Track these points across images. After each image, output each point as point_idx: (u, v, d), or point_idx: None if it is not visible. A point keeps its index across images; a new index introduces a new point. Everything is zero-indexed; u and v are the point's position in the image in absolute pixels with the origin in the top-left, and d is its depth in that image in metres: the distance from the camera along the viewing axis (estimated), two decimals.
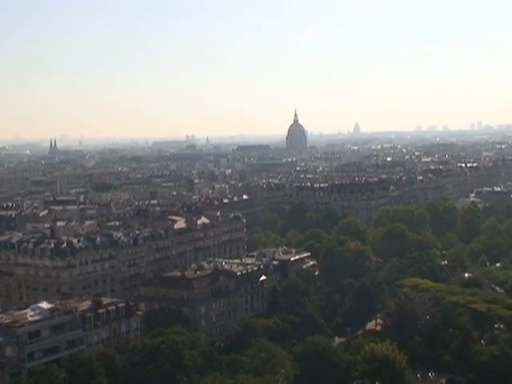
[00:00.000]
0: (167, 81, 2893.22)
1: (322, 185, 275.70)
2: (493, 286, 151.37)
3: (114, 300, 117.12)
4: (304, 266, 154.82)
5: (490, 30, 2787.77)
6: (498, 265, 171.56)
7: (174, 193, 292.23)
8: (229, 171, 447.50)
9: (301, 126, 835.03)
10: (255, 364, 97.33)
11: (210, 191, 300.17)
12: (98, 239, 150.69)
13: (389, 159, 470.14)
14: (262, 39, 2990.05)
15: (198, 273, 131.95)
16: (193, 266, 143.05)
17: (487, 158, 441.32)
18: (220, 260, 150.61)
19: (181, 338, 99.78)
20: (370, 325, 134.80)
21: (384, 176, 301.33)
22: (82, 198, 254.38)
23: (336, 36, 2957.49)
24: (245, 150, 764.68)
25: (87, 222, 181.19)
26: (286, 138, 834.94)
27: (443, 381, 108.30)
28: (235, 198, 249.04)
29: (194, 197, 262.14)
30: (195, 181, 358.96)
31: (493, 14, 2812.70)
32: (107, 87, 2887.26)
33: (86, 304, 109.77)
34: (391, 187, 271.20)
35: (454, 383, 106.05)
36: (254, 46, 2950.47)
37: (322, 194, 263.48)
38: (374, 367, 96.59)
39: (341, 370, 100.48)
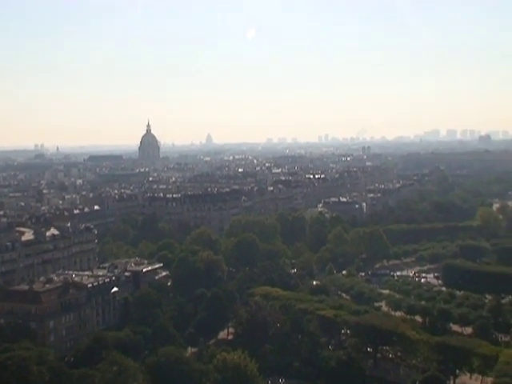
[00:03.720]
0: (14, 87, 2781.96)
1: (174, 195, 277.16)
2: (339, 292, 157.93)
3: None
4: (156, 277, 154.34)
5: (338, 48, 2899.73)
6: (344, 272, 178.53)
7: (22, 203, 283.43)
8: (80, 181, 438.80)
9: (153, 137, 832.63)
10: (106, 378, 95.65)
11: (60, 202, 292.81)
12: None
13: (240, 170, 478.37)
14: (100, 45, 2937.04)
15: (47, 286, 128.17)
16: (41, 278, 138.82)
17: (334, 170, 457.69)
18: (70, 272, 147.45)
19: (28, 353, 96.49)
20: (223, 334, 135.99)
21: (236, 187, 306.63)
22: None
23: (183, 47, 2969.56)
24: (96, 159, 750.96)
25: None
26: (139, 148, 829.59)
27: None
28: (86, 209, 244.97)
29: (43, 208, 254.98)
30: (44, 191, 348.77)
31: (334, 34, 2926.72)
32: None
33: None
34: (243, 198, 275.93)
35: None
36: (95, 53, 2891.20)
37: (174, 204, 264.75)
38: (225, 376, 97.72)
39: (193, 379, 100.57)
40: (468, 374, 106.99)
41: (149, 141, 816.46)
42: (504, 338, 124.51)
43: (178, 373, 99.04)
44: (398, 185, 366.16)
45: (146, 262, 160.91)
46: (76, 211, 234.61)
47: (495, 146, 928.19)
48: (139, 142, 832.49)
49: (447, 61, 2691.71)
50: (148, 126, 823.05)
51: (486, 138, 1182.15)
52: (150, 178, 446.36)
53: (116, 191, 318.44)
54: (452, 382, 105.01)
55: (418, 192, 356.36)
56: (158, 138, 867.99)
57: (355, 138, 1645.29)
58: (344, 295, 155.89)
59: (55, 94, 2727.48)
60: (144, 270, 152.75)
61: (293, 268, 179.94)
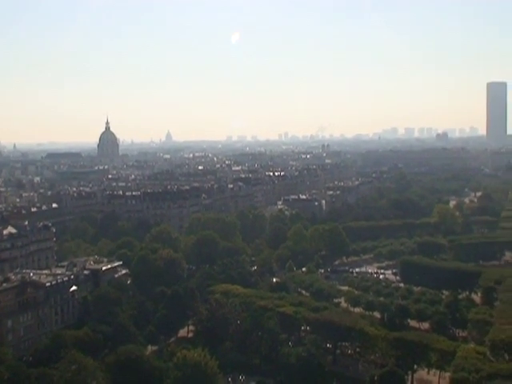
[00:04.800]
0: None
1: (134, 193, 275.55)
2: (299, 289, 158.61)
3: None
4: (116, 275, 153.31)
5: (297, 47, 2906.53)
6: (303, 269, 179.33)
7: None
8: (37, 179, 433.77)
9: (112, 134, 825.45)
10: (65, 377, 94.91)
11: (18, 200, 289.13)
12: None
13: (200, 168, 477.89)
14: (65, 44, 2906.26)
15: (4, 285, 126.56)
16: None
17: (293, 168, 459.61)
18: (28, 271, 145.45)
19: None
20: (183, 332, 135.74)
21: (196, 184, 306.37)
22: None
23: (149, 47, 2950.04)
24: (55, 157, 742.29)
25: None
26: (98, 145, 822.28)
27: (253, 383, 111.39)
28: (44, 207, 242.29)
29: (0, 206, 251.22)
30: (1, 189, 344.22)
31: (284, 38, 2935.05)
32: None
33: None
34: (203, 195, 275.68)
35: None
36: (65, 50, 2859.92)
37: (134, 202, 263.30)
38: (186, 373, 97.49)
39: (154, 377, 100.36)
40: (426, 369, 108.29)
41: (108, 138, 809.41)
42: (461, 334, 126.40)
43: (138, 371, 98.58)
44: (356, 182, 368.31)
45: (105, 260, 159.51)
46: (34, 209, 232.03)
47: (452, 143, 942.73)
48: (98, 140, 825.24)
49: (405, 60, 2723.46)
50: (107, 123, 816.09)
51: (443, 136, 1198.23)
52: (109, 176, 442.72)
53: (75, 189, 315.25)
54: (410, 377, 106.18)
55: (376, 189, 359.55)
56: (117, 136, 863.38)
57: (315, 135, 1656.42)
58: (304, 292, 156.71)
59: (12, 91, 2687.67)
60: (103, 268, 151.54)
61: (253, 265, 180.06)
